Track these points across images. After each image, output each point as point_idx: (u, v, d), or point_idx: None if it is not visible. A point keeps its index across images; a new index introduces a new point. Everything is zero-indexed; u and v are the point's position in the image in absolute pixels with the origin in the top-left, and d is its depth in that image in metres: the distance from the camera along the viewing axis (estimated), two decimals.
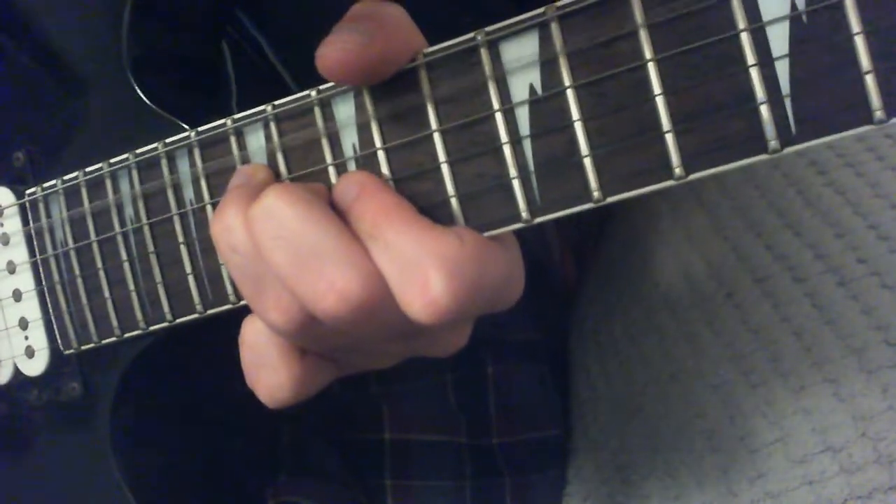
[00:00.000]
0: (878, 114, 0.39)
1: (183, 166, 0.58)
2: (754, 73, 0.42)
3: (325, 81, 0.51)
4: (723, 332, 0.74)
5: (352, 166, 0.52)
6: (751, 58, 0.42)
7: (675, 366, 0.78)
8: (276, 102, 0.54)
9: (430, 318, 0.46)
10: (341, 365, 0.56)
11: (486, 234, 0.49)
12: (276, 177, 0.54)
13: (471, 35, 0.47)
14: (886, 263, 0.67)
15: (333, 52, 0.47)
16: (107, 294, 0.62)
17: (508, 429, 0.90)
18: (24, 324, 0.68)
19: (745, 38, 0.41)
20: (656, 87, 0.43)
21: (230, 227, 0.50)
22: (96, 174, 0.62)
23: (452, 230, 0.47)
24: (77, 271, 0.64)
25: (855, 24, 0.39)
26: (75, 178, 0.63)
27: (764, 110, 0.42)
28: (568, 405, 0.95)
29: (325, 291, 0.47)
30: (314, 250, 0.47)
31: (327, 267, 0.47)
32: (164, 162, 0.58)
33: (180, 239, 0.58)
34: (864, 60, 0.39)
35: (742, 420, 0.69)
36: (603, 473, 0.84)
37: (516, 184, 0.47)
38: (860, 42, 0.39)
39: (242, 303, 0.57)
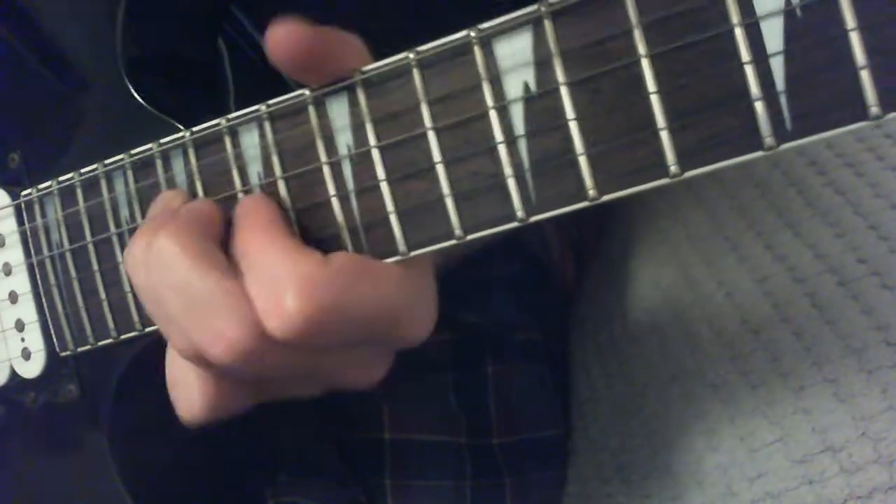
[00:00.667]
0: (874, 109, 0.39)
1: (178, 166, 0.57)
2: (749, 70, 0.41)
3: None
4: (723, 331, 0.74)
5: (346, 165, 0.51)
6: (745, 54, 0.41)
7: (675, 366, 0.78)
8: (271, 102, 0.53)
9: (283, 333, 0.47)
10: (261, 392, 0.56)
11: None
12: (269, 176, 0.54)
13: (464, 33, 0.47)
14: (886, 263, 0.66)
15: (282, 29, 0.48)
16: (103, 295, 0.62)
17: (508, 429, 0.90)
18: (20, 326, 0.68)
19: (739, 34, 0.41)
20: (651, 85, 0.43)
21: (135, 265, 0.52)
22: (91, 175, 0.61)
23: (318, 254, 0.49)
24: (73, 273, 0.64)
25: (849, 20, 0.39)
26: (70, 178, 0.63)
27: (759, 107, 0.41)
28: (568, 405, 0.95)
29: (214, 340, 0.48)
30: (202, 300, 0.49)
31: (215, 317, 0.48)
32: (158, 162, 0.58)
33: None
34: (859, 56, 0.39)
35: (742, 420, 0.69)
36: (603, 473, 0.84)
37: (511, 182, 0.47)
38: (855, 37, 0.39)
39: None
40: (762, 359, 0.70)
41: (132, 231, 0.60)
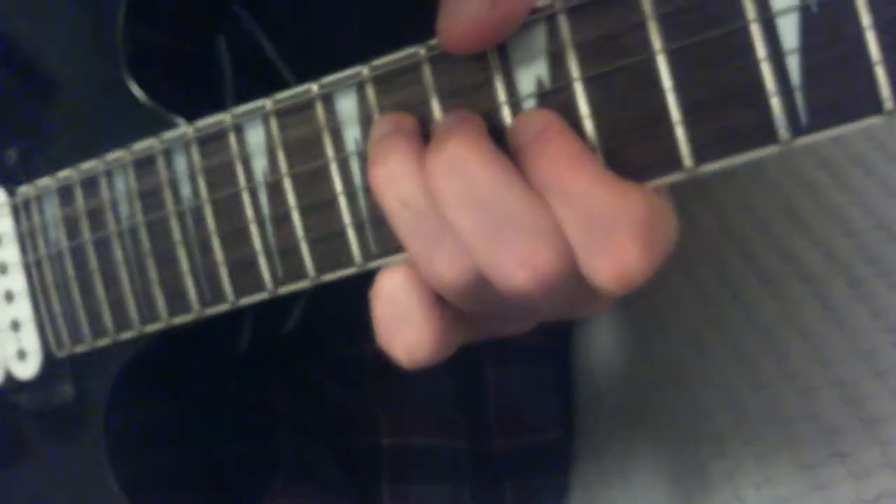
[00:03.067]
0: (888, 104, 0.40)
1: (180, 163, 0.57)
2: (764, 65, 0.41)
3: (324, 74, 0.51)
4: (729, 333, 0.74)
5: (354, 161, 0.51)
6: (761, 49, 0.41)
7: (680, 368, 0.77)
8: (277, 97, 0.53)
9: (619, 288, 0.42)
10: (476, 328, 0.53)
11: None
12: (275, 174, 0.53)
13: None
14: None
15: (457, 25, 0.45)
16: (101, 294, 0.62)
17: (509, 432, 0.89)
18: (15, 325, 0.67)
19: (754, 30, 0.41)
20: (665, 79, 0.43)
21: (397, 177, 0.47)
22: (91, 172, 0.61)
23: (639, 188, 0.43)
24: (70, 272, 0.63)
25: (865, 16, 0.40)
26: (69, 175, 0.62)
27: (774, 102, 0.41)
28: (570, 408, 0.94)
29: (516, 266, 0.43)
30: (507, 218, 0.44)
31: (520, 239, 0.43)
32: (160, 158, 0.57)
33: (177, 237, 0.58)
34: (874, 52, 0.40)
35: (749, 423, 0.69)
36: (606, 479, 0.83)
37: None
38: (870, 34, 0.40)
39: (241, 303, 0.56)
40: (769, 360, 0.70)
41: (131, 228, 0.59)
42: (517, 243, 0.43)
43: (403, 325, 0.49)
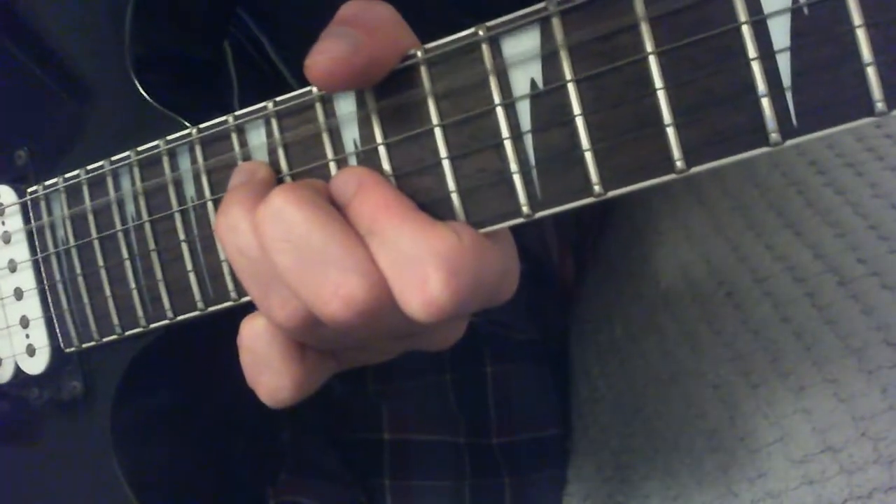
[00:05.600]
0: (880, 105, 0.39)
1: (184, 163, 0.58)
2: (755, 66, 0.42)
3: None
4: (723, 331, 0.74)
5: (353, 162, 0.52)
6: (752, 50, 0.41)
7: (675, 366, 0.78)
8: (278, 99, 0.54)
9: (428, 317, 0.45)
10: (341, 361, 0.56)
11: (484, 230, 0.49)
12: (277, 173, 0.54)
13: (472, 30, 0.48)
14: (886, 263, 0.67)
15: (321, 61, 0.47)
16: (108, 292, 0.62)
17: (508, 429, 0.90)
18: (25, 322, 0.68)
19: (746, 31, 0.41)
20: (657, 81, 0.43)
21: (235, 227, 0.50)
22: (98, 172, 0.62)
23: (450, 226, 0.47)
24: (78, 269, 0.64)
25: (856, 17, 0.39)
26: (77, 175, 0.63)
27: (765, 103, 0.42)
28: (568, 405, 0.95)
29: (329, 296, 0.46)
30: (320, 254, 0.47)
31: (332, 272, 0.47)
32: (165, 159, 0.58)
33: (181, 236, 0.58)
34: (866, 53, 0.39)
35: (742, 420, 0.69)
36: (603, 473, 0.84)
37: (517, 178, 0.47)
38: (861, 34, 0.39)
39: (244, 300, 0.57)
40: (762, 359, 0.70)
41: (137, 227, 0.60)
42: (330, 276, 0.47)
43: (263, 372, 0.53)
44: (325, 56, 0.47)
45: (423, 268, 0.45)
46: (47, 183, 0.65)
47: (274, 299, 0.50)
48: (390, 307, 0.47)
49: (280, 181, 0.54)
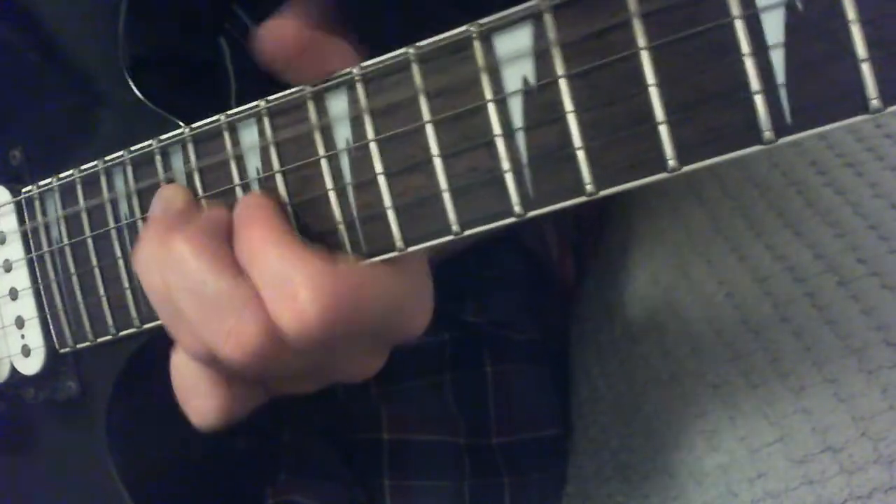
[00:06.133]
0: (874, 102, 0.39)
1: (177, 162, 0.58)
2: (748, 62, 0.41)
3: None
4: (723, 331, 0.74)
5: (344, 159, 0.51)
6: (745, 46, 0.41)
7: (675, 366, 0.78)
8: (270, 97, 0.53)
9: (297, 333, 0.48)
10: (269, 390, 0.58)
11: (374, 259, 0.51)
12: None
13: (464, 28, 0.47)
14: (886, 264, 0.66)
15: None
16: (102, 292, 0.62)
17: (507, 429, 0.90)
18: (20, 322, 0.68)
19: (739, 27, 0.41)
20: (650, 78, 0.43)
21: (147, 266, 0.53)
22: (91, 172, 0.62)
23: (327, 255, 0.50)
24: (72, 269, 0.64)
25: (851, 12, 0.39)
26: (71, 175, 0.63)
27: (758, 100, 0.41)
28: (568, 405, 0.95)
29: (224, 340, 0.49)
30: (216, 300, 0.50)
31: (227, 317, 0.49)
32: (158, 158, 0.58)
33: None
34: (860, 49, 0.39)
35: (742, 420, 0.69)
36: (603, 473, 0.84)
37: (509, 177, 0.47)
38: (856, 30, 0.39)
39: None
40: (762, 359, 0.70)
41: (131, 227, 0.60)
42: (225, 321, 0.50)
43: (191, 395, 0.55)
44: (285, 23, 0.50)
45: (294, 285, 0.48)
46: (41, 183, 0.65)
47: (183, 335, 0.53)
48: (280, 340, 0.49)
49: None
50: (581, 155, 0.45)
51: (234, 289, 0.50)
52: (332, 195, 0.52)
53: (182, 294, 0.51)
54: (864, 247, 0.68)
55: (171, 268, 0.51)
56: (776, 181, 0.77)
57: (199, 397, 0.55)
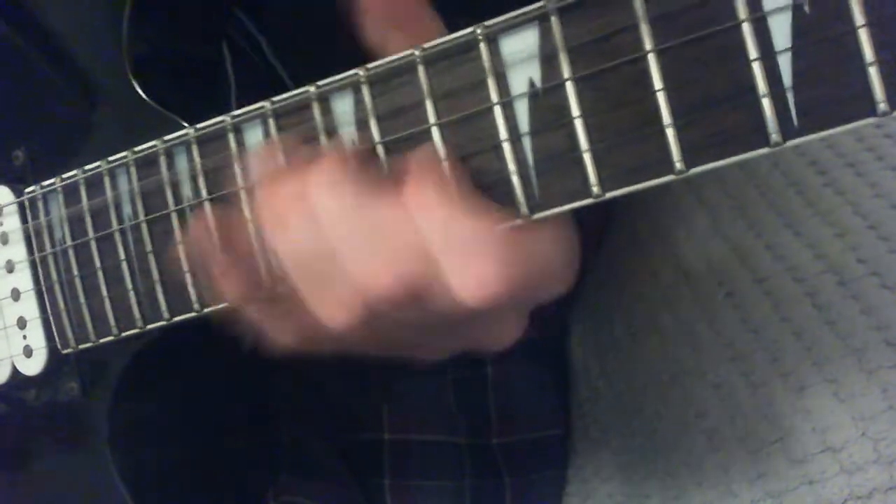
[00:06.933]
0: (882, 106, 0.39)
1: (181, 163, 0.58)
2: (756, 66, 0.41)
3: (324, 78, 0.51)
4: (723, 332, 0.74)
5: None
6: (752, 50, 0.41)
7: (675, 366, 0.78)
8: (275, 99, 0.53)
9: (478, 301, 0.45)
10: (391, 344, 0.56)
11: (540, 215, 0.48)
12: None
13: (470, 30, 0.47)
14: (886, 263, 0.66)
15: None
16: (105, 293, 0.62)
17: (508, 429, 0.90)
18: (22, 323, 0.68)
19: (746, 30, 0.41)
20: (657, 81, 0.43)
21: (285, 223, 0.50)
22: (95, 172, 0.61)
23: (501, 212, 0.47)
24: (75, 270, 0.64)
25: (859, 16, 0.39)
26: (74, 176, 0.63)
27: (766, 103, 0.41)
28: (568, 405, 0.95)
29: (383, 270, 0.47)
30: (371, 233, 0.47)
31: (385, 246, 0.47)
32: (162, 159, 0.58)
33: (178, 237, 0.58)
34: (868, 52, 0.39)
35: (742, 420, 0.69)
36: (603, 473, 0.84)
37: (515, 179, 0.47)
38: (863, 33, 0.39)
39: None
40: (762, 359, 0.70)
41: (134, 228, 0.60)
42: (381, 252, 0.47)
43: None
44: None
45: (476, 252, 0.45)
46: (45, 183, 0.65)
47: (331, 297, 0.50)
48: (438, 290, 0.46)
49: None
50: (587, 157, 0.45)
51: (392, 219, 0.47)
52: None
53: (328, 225, 0.48)
54: (864, 247, 0.68)
55: (326, 195, 0.48)
56: (776, 181, 0.77)
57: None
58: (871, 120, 0.40)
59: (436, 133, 0.49)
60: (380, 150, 0.50)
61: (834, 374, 0.65)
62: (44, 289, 0.66)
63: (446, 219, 0.46)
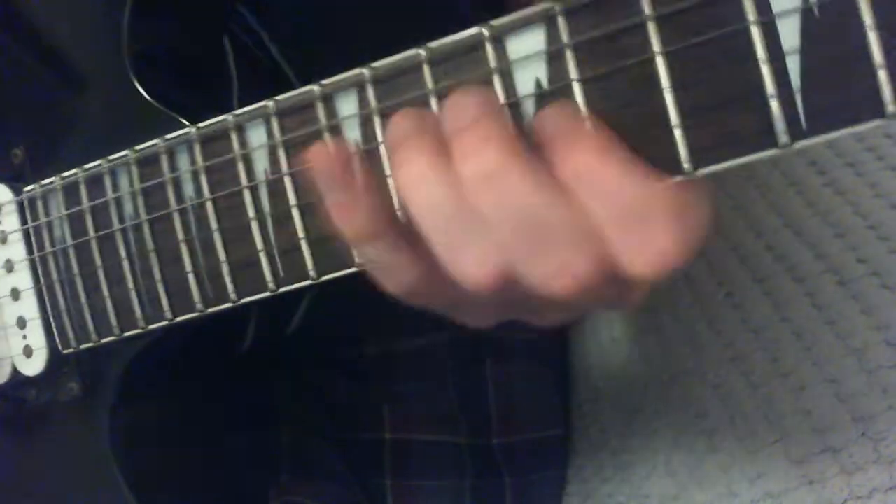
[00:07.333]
0: (891, 107, 0.39)
1: (183, 162, 0.57)
2: (764, 68, 0.41)
3: (328, 76, 0.51)
4: (723, 332, 0.74)
5: (354, 160, 0.51)
6: (761, 52, 0.41)
7: (675, 366, 0.78)
8: (278, 98, 0.53)
9: (657, 273, 0.42)
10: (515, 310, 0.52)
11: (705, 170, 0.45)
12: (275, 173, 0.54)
13: (476, 29, 0.47)
14: (886, 263, 0.67)
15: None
16: (106, 292, 0.62)
17: (508, 429, 0.90)
18: (22, 323, 0.68)
19: (755, 32, 0.41)
20: (664, 81, 0.43)
21: (426, 180, 0.45)
22: (95, 171, 0.61)
23: (667, 177, 0.43)
24: (76, 269, 0.63)
25: (867, 18, 0.39)
26: (74, 174, 0.62)
27: (774, 104, 0.41)
28: (568, 405, 0.95)
29: (555, 275, 0.43)
30: (545, 229, 0.43)
31: (558, 249, 0.43)
32: (164, 158, 0.58)
33: (180, 236, 0.58)
34: (877, 54, 0.39)
35: (742, 420, 0.69)
36: (603, 473, 0.84)
37: None
38: (872, 36, 0.39)
39: (243, 301, 0.57)
40: (762, 359, 0.70)
41: (135, 227, 0.60)
42: (556, 253, 0.43)
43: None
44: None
45: (651, 221, 0.42)
46: (44, 182, 0.65)
47: (470, 259, 0.45)
48: (612, 277, 0.43)
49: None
50: None
51: (569, 217, 0.43)
52: None
53: (499, 216, 0.44)
54: (864, 247, 0.68)
55: (486, 186, 0.44)
56: (776, 181, 0.77)
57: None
58: (879, 122, 0.40)
59: None
60: (383, 150, 0.50)
61: (834, 374, 0.65)
62: (44, 288, 0.66)
63: (616, 188, 0.42)
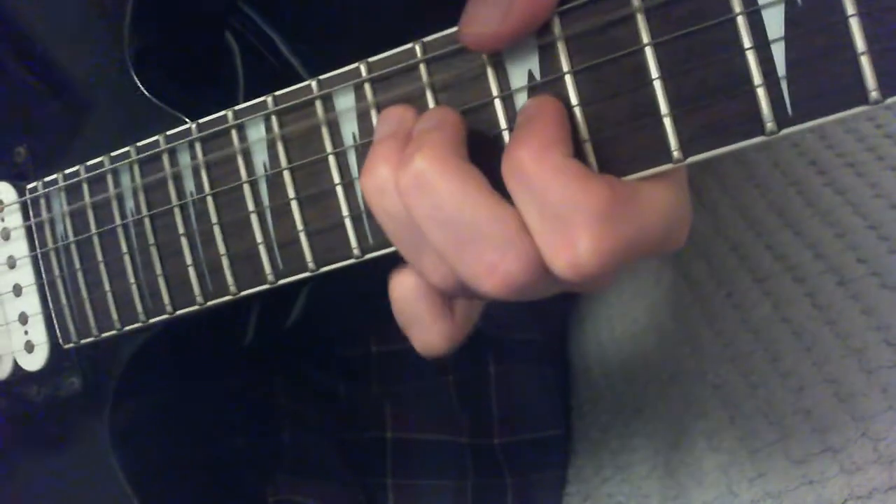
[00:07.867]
0: (874, 94, 0.40)
1: (184, 159, 0.58)
2: (750, 56, 0.42)
3: (331, 64, 0.52)
4: (723, 332, 0.74)
5: (351, 155, 0.52)
6: (747, 41, 0.42)
7: (675, 366, 0.78)
8: (277, 94, 0.54)
9: (573, 277, 0.43)
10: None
11: (635, 175, 0.46)
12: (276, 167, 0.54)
13: None
14: (886, 263, 0.67)
15: (473, 30, 0.46)
16: (107, 287, 0.63)
17: (509, 429, 0.90)
18: (23, 318, 0.68)
19: (741, 22, 0.42)
20: (654, 72, 0.44)
21: (382, 189, 0.47)
22: (97, 168, 0.62)
23: (604, 178, 0.44)
24: (77, 265, 0.64)
25: (849, 6, 0.40)
26: (76, 172, 0.63)
27: (760, 92, 0.42)
28: (569, 405, 0.95)
29: (485, 274, 0.45)
30: (472, 230, 0.45)
31: (486, 249, 0.44)
32: (164, 154, 0.58)
33: (181, 230, 0.58)
34: (859, 42, 0.40)
35: (742, 420, 0.69)
36: (603, 473, 0.84)
37: None
38: (855, 23, 0.40)
39: (243, 294, 0.57)
40: (762, 359, 0.70)
41: (137, 222, 0.60)
42: (484, 254, 0.45)
43: (414, 326, 0.51)
44: (477, 25, 0.46)
45: (571, 226, 0.42)
46: (47, 180, 0.65)
47: (426, 262, 0.48)
48: (545, 274, 0.44)
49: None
50: (587, 147, 0.46)
51: (494, 217, 0.44)
52: (339, 190, 0.52)
53: (431, 222, 0.45)
54: (864, 247, 0.68)
55: (415, 194, 0.45)
56: (776, 181, 0.77)
57: (420, 327, 0.51)
58: (863, 108, 0.40)
59: None
60: None
61: (834, 374, 0.65)
62: (45, 284, 0.67)
63: (544, 186, 0.43)
